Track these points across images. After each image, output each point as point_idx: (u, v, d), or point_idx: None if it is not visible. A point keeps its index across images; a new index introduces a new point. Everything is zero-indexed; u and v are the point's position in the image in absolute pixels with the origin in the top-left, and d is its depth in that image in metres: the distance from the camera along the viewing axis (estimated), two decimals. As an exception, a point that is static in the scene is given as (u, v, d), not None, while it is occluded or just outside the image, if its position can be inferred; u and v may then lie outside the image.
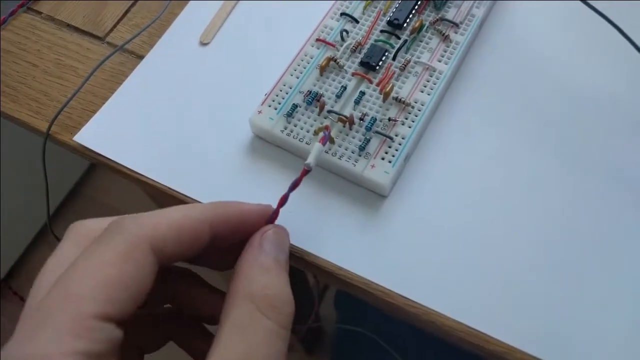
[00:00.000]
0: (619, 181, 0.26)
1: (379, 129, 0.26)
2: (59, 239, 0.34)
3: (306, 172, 0.23)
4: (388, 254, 0.25)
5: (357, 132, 0.26)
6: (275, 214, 0.24)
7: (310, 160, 0.24)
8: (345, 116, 0.26)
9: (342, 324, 0.53)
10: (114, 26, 0.33)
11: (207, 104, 0.29)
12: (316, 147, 0.24)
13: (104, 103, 0.30)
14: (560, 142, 0.27)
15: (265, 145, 0.28)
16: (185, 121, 0.29)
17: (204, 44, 0.31)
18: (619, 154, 0.27)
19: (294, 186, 0.23)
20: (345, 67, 0.28)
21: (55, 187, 0.94)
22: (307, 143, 0.26)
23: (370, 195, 0.26)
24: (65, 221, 0.95)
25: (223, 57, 0.31)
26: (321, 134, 0.25)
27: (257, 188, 0.27)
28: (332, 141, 0.26)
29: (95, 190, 1.01)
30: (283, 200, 0.24)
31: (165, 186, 0.27)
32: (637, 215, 0.25)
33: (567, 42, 0.30)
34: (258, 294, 0.19)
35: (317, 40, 0.29)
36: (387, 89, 0.27)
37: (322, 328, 0.77)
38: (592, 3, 0.26)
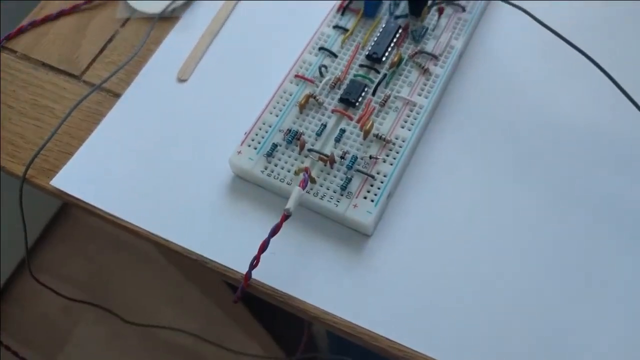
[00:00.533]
0: (605, 213, 0.26)
1: (360, 168, 0.26)
2: (36, 279, 0.33)
3: (286, 217, 0.23)
4: (373, 294, 0.25)
5: (338, 171, 0.26)
6: (256, 260, 0.24)
7: (290, 205, 0.23)
8: (325, 155, 0.26)
9: (332, 350, 0.52)
10: (90, 64, 0.32)
11: (187, 143, 0.29)
12: (296, 191, 0.24)
13: (81, 144, 0.29)
14: (545, 172, 0.27)
15: (246, 185, 0.27)
16: (164, 161, 0.29)
17: (182, 80, 0.31)
18: (605, 186, 0.26)
19: (274, 232, 0.23)
20: (324, 104, 0.28)
21: (41, 208, 0.92)
22: (288, 183, 0.26)
23: (354, 235, 0.26)
24: (52, 243, 0.95)
25: (202, 94, 0.30)
26: (301, 176, 0.25)
27: (239, 229, 0.26)
28: (313, 181, 0.26)
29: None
30: (263, 247, 0.23)
31: (146, 230, 0.27)
32: (620, 249, 0.25)
33: (548, 71, 0.30)
34: None
35: (296, 76, 0.29)
36: (367, 127, 0.27)
37: (316, 356, 0.76)
38: (568, 35, 0.26)
